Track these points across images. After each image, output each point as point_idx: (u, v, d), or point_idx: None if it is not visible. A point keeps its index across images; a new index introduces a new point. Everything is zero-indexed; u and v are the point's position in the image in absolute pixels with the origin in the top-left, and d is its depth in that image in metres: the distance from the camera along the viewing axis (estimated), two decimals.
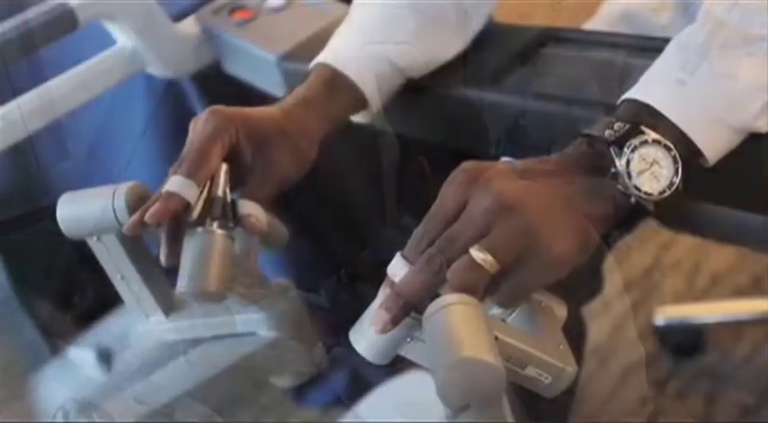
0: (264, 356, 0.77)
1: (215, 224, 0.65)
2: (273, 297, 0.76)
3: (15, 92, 0.91)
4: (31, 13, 0.89)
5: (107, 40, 0.97)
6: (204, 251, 0.64)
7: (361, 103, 0.79)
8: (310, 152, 0.75)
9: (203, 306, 0.75)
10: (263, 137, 0.71)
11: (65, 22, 0.89)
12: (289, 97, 0.77)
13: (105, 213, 0.68)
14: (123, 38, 0.96)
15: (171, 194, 0.65)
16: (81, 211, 0.69)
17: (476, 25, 0.86)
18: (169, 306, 0.76)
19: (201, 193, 0.66)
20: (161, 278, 0.74)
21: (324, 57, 0.80)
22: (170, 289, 0.76)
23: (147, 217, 0.64)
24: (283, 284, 0.78)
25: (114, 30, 0.95)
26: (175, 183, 0.65)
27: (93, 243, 0.71)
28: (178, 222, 0.66)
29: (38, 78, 0.92)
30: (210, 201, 0.66)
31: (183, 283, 0.64)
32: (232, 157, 0.69)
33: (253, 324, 0.75)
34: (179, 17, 1.01)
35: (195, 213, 0.65)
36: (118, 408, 0.76)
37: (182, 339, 0.77)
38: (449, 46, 0.85)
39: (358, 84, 0.78)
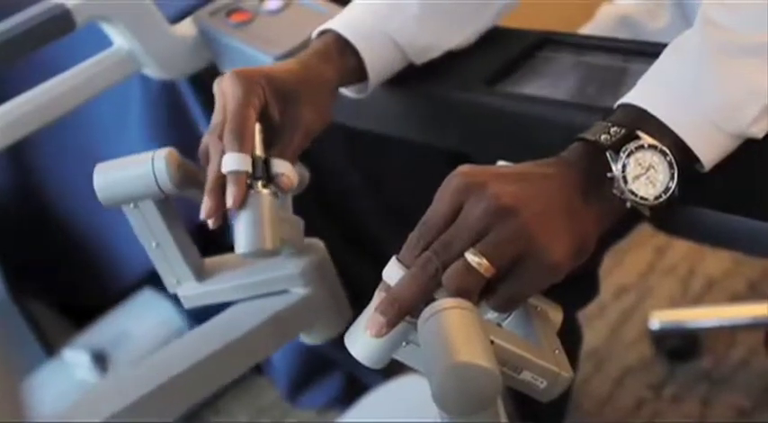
0: (296, 313, 0.77)
1: (259, 184, 0.68)
2: (303, 253, 0.77)
3: (12, 93, 0.91)
4: (28, 14, 0.88)
5: (104, 42, 0.97)
6: (257, 212, 0.67)
7: (361, 72, 0.80)
8: (330, 103, 0.77)
9: (234, 269, 0.77)
10: (287, 93, 0.73)
11: (62, 23, 0.89)
12: (302, 53, 0.79)
13: (146, 178, 0.69)
14: (120, 39, 0.96)
15: (237, 173, 0.67)
16: (120, 177, 0.70)
17: (483, 22, 0.87)
18: (201, 272, 0.77)
19: None
20: (191, 245, 0.76)
21: (329, 24, 0.81)
22: (199, 255, 0.77)
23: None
24: (312, 241, 0.79)
25: (111, 31, 0.95)
26: (234, 161, 0.67)
27: (128, 210, 0.72)
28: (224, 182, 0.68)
29: (35, 79, 0.92)
30: (251, 162, 0.68)
31: (241, 245, 0.66)
32: (262, 117, 0.71)
33: (285, 282, 0.77)
34: (176, 19, 1.01)
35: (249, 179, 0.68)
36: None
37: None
38: (452, 35, 0.85)
39: (360, 51, 0.79)
